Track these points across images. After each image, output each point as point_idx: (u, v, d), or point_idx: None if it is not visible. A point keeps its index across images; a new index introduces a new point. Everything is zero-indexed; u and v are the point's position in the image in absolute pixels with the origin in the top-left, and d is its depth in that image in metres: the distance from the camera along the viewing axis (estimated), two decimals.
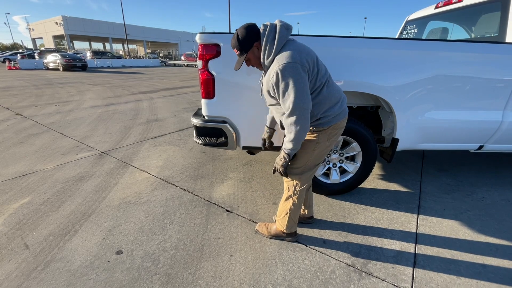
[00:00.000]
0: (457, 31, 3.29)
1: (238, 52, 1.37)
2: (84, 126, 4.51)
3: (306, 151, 1.49)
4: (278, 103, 1.41)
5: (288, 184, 1.62)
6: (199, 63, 1.97)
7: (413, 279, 1.47)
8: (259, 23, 1.38)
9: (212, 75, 1.94)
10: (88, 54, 26.59)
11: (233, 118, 2.06)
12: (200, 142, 2.15)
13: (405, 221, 2.00)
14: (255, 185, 2.53)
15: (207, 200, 2.25)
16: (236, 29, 1.35)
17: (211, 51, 1.89)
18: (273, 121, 1.77)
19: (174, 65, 30.66)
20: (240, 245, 1.73)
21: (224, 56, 1.89)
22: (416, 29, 3.28)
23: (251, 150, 2.25)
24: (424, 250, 1.70)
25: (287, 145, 1.38)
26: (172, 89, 9.54)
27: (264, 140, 1.83)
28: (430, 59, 1.95)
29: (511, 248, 1.72)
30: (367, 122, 2.46)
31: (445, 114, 2.10)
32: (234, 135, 2.08)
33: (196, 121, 2.13)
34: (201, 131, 2.17)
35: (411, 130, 2.13)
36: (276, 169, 1.51)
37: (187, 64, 29.31)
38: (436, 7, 2.95)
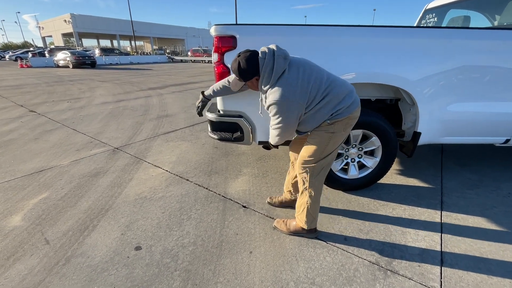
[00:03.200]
0: (479, 20, 3.14)
1: (238, 78, 1.42)
2: (96, 122, 4.54)
3: (320, 141, 1.50)
4: None
5: (302, 177, 1.59)
6: (215, 56, 1.93)
7: (441, 278, 1.41)
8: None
9: (228, 68, 1.89)
10: (97, 51, 26.89)
11: (249, 113, 2.01)
12: (215, 137, 2.11)
13: (428, 217, 1.93)
14: (270, 180, 2.49)
15: (222, 196, 2.23)
16: (239, 56, 1.38)
17: (227, 43, 1.84)
18: (217, 93, 1.85)
19: (181, 61, 30.68)
20: (259, 241, 1.70)
21: (240, 48, 1.83)
22: (436, 18, 3.14)
23: (267, 145, 2.20)
24: (451, 248, 1.63)
25: (270, 140, 1.63)
26: (180, 84, 9.54)
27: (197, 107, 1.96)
28: (456, 48, 1.86)
29: None
30: (386, 116, 2.37)
31: (472, 106, 2.00)
32: (250, 130, 2.04)
33: (211, 116, 2.10)
34: (216, 126, 2.13)
35: (434, 123, 2.05)
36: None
37: (194, 60, 29.32)
38: None
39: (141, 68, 19.43)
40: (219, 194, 2.25)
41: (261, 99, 1.63)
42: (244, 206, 2.08)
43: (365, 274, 1.44)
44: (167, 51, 45.82)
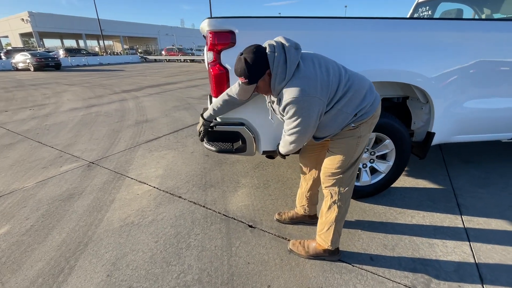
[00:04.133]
0: (469, 13, 3.11)
1: (246, 81, 1.16)
2: (65, 132, 4.03)
3: (347, 149, 1.31)
4: None
5: (330, 190, 1.40)
6: (209, 55, 1.64)
7: None
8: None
9: (226, 69, 1.62)
10: (61, 52, 25.00)
11: (252, 119, 1.75)
12: (213, 148, 1.83)
13: (450, 224, 1.80)
14: (273, 191, 2.26)
15: (223, 215, 1.96)
16: (242, 54, 1.15)
17: (224, 39, 1.57)
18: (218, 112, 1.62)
19: (155, 60, 29.42)
20: (276, 271, 1.46)
21: (240, 45, 1.56)
22: (429, 11, 3.07)
23: (272, 154, 1.96)
24: (485, 259, 1.50)
25: (280, 149, 1.43)
26: (157, 86, 8.99)
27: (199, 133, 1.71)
28: (472, 41, 1.73)
29: None
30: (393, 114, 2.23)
31: (487, 103, 1.90)
32: (253, 139, 1.78)
33: None
34: (214, 136, 1.85)
35: (449, 122, 1.92)
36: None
37: (169, 59, 28.27)
38: None
39: (112, 69, 18.28)
40: (219, 213, 1.98)
41: (270, 103, 1.38)
42: (251, 226, 1.83)
43: None
44: (139, 50, 43.82)
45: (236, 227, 1.81)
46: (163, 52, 31.66)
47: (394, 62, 1.73)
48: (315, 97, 1.13)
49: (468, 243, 1.62)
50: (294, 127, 1.20)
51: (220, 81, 1.65)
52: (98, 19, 33.75)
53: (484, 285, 1.34)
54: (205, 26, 1.61)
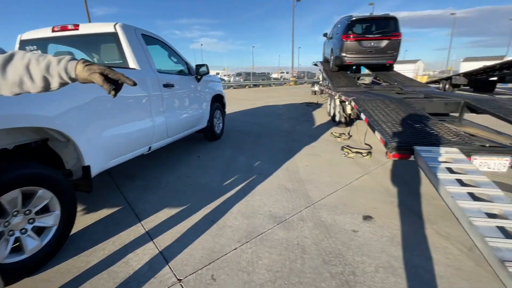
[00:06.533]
0: (82, 56, 3.51)
1: None
2: None
3: None
4: None
5: None
6: None
7: (173, 271, 1.66)
8: None
9: None
10: None
11: None
12: None
13: (135, 234, 2.06)
14: None
15: None
16: None
17: None
18: None
19: None
20: None
21: None
22: (39, 51, 2.98)
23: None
24: (163, 243, 1.94)
25: None
26: None
27: None
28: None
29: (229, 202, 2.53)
30: (40, 160, 1.99)
31: (120, 129, 2.34)
32: None
33: None
34: None
35: (97, 152, 2.11)
36: None
37: None
38: (53, 31, 2.87)
39: None
40: None
41: None
42: None
43: None
44: None
45: None
46: None
47: (22, 106, 1.53)
48: None
49: (151, 241, 1.99)
50: None
51: None
52: None
53: (168, 264, 1.74)
54: None
